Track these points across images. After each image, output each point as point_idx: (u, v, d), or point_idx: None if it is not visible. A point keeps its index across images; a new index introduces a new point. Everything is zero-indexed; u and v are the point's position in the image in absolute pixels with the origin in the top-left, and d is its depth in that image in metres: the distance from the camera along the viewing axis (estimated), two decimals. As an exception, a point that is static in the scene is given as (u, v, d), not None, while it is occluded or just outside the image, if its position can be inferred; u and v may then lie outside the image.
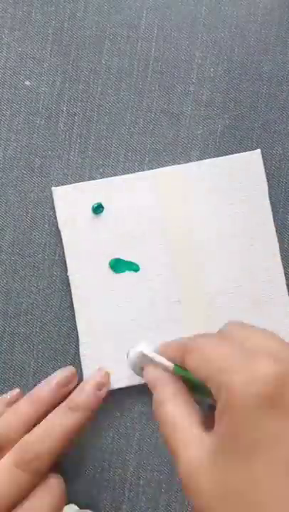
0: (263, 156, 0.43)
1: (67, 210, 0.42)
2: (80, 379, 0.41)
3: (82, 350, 0.41)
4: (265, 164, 0.43)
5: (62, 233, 0.42)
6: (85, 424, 0.38)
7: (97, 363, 0.41)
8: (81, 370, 0.42)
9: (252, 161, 0.42)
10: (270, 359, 0.27)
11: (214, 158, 0.43)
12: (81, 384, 0.40)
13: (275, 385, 0.27)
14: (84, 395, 0.38)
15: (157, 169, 0.42)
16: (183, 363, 0.31)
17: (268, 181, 0.43)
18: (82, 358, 0.41)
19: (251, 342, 0.29)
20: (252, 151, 0.42)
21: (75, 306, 0.42)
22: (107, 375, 0.40)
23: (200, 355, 0.29)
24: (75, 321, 0.42)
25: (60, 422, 0.37)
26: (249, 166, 0.42)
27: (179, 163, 0.43)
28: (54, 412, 0.37)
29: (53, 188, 0.42)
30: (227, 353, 0.29)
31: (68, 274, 0.42)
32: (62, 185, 0.43)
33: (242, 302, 0.42)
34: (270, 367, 0.27)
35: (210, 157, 0.43)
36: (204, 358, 0.29)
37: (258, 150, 0.42)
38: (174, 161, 0.43)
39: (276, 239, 0.42)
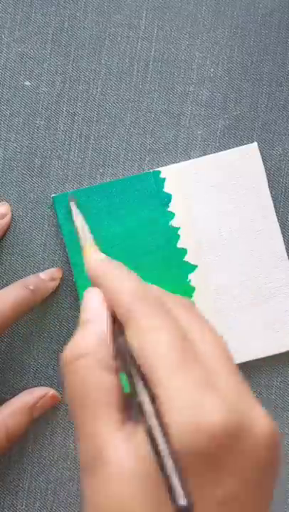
0: (262, 156, 0.43)
1: (69, 218, 0.41)
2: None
3: None
4: (265, 164, 0.43)
5: (65, 239, 0.41)
6: (33, 305, 0.40)
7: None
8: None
9: (249, 154, 0.42)
10: (222, 402, 0.23)
11: (210, 155, 0.42)
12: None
13: (220, 443, 0.23)
14: (39, 280, 0.40)
15: (156, 169, 0.42)
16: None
17: (268, 181, 0.42)
18: None
19: (200, 339, 0.27)
20: (248, 145, 0.42)
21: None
22: (60, 271, 0.42)
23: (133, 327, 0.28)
24: (75, 322, 0.42)
25: (15, 294, 0.39)
26: (247, 159, 0.42)
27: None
28: (9, 286, 0.40)
29: (53, 195, 0.42)
30: (166, 343, 0.26)
31: (74, 279, 0.41)
32: (62, 185, 0.43)
33: (248, 297, 0.42)
34: (221, 416, 0.23)
35: (210, 157, 0.43)
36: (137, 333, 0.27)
37: (255, 143, 0.42)
38: (174, 161, 0.43)
39: (279, 230, 0.42)
